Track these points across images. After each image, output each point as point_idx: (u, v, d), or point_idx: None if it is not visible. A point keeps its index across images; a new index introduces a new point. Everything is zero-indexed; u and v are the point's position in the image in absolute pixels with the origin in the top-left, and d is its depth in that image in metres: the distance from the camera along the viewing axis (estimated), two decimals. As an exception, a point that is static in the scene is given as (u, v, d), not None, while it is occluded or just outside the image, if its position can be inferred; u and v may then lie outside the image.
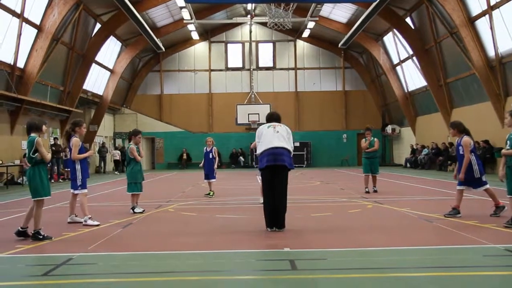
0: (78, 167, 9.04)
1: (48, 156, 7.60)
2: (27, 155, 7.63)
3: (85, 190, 9.10)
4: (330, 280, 5.01)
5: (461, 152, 9.05)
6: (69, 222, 9.05)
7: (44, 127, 7.79)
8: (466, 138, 9.02)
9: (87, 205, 9.09)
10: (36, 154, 7.45)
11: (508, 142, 7.96)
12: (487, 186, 8.98)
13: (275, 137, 7.98)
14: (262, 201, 11.81)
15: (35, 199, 7.49)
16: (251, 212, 10.34)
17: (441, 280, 4.97)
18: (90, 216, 8.88)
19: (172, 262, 5.98)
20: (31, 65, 21.92)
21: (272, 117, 8.60)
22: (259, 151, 8.05)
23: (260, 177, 8.43)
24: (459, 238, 7.07)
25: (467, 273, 5.26)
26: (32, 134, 7.57)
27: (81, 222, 8.90)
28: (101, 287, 4.96)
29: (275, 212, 7.82)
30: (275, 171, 7.83)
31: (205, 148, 14.36)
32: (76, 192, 9.05)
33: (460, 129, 9.17)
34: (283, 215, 7.90)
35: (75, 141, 9.03)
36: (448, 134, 27.02)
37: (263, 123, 8.49)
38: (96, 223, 8.76)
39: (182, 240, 7.47)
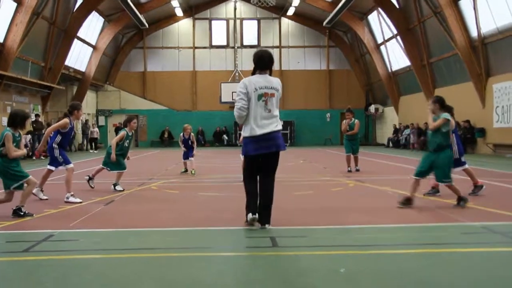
0: (55, 145, 9.03)
1: (14, 153, 7.28)
2: None
3: (71, 165, 9.10)
4: (311, 256, 5.07)
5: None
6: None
7: (26, 122, 7.64)
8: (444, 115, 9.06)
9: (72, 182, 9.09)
10: (2, 148, 7.26)
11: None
12: (466, 166, 9.11)
13: (266, 117, 6.24)
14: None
15: (8, 190, 7.37)
16: (233, 190, 10.37)
17: (421, 257, 5.06)
18: (72, 193, 8.85)
19: (154, 239, 5.99)
20: (11, 40, 21.55)
21: (263, 61, 6.36)
22: (244, 133, 6.33)
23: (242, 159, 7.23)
24: (438, 216, 7.18)
25: (446, 250, 5.35)
26: (9, 127, 7.39)
27: (41, 199, 8.96)
28: (83, 264, 4.96)
29: (260, 204, 6.41)
30: (265, 157, 6.36)
31: (182, 134, 14.36)
32: (60, 168, 9.11)
33: (442, 105, 9.10)
34: (270, 205, 6.49)
35: (64, 121, 9.05)
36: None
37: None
38: (78, 200, 8.73)
39: (164, 217, 7.48)
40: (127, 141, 10.66)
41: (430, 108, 8.19)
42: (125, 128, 10.75)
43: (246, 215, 6.41)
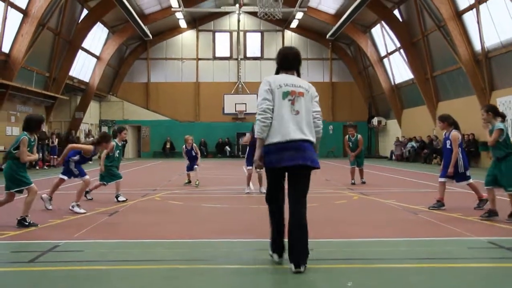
0: (71, 160, 9.11)
1: (27, 158, 7.34)
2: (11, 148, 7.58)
3: (87, 177, 9.18)
4: (316, 270, 5.04)
5: (448, 146, 9.11)
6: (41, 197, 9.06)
7: (42, 126, 7.70)
8: (454, 133, 9.06)
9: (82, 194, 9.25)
10: (16, 151, 7.33)
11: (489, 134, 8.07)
12: (470, 180, 9.08)
13: (294, 122, 4.91)
14: (247, 191, 11.88)
15: (8, 191, 7.43)
16: (237, 201, 10.36)
17: (427, 271, 5.03)
18: (78, 203, 8.85)
19: (159, 251, 5.98)
20: (17, 50, 21.63)
21: (287, 60, 5.19)
22: (266, 140, 4.94)
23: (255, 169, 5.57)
24: (443, 230, 7.15)
25: (452, 265, 5.32)
26: (25, 131, 7.46)
27: (46, 208, 8.98)
28: (88, 275, 4.94)
29: (295, 232, 4.90)
30: (292, 173, 4.99)
31: (184, 146, 14.38)
32: (76, 179, 9.27)
33: (450, 122, 9.21)
34: (305, 239, 4.88)
35: (88, 148, 9.12)
36: (434, 127, 27.29)
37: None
38: (82, 211, 8.72)
39: (168, 228, 7.47)
40: (117, 151, 10.63)
41: (484, 118, 7.99)
42: (115, 139, 10.75)
43: (271, 246, 5.26)
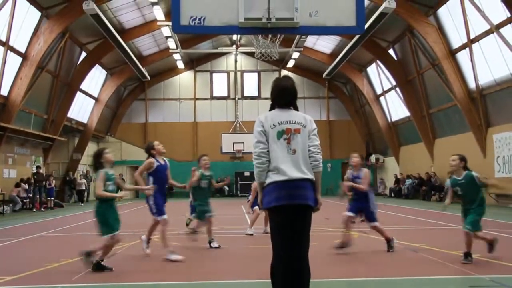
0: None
1: (101, 192, 7.09)
2: None
3: (164, 217, 8.34)
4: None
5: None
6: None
7: (107, 156, 7.37)
8: (366, 170, 9.43)
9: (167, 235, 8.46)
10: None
11: (458, 188, 8.26)
12: (376, 223, 9.19)
13: (290, 160, 4.50)
14: (250, 233, 11.66)
15: (102, 237, 7.26)
16: (238, 242, 10.27)
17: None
18: (172, 249, 8.21)
19: (158, 294, 5.90)
20: (15, 93, 21.78)
21: (283, 96, 4.88)
22: (267, 180, 4.51)
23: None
24: (445, 269, 7.08)
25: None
26: (99, 169, 7.30)
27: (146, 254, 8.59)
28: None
29: (293, 277, 4.32)
30: (292, 212, 4.42)
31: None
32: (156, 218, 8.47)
33: (362, 163, 9.60)
34: (307, 281, 4.40)
35: (147, 161, 8.60)
36: (431, 164, 27.37)
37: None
38: (180, 257, 8.05)
39: (170, 270, 7.38)
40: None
41: (455, 165, 8.49)
42: (200, 169, 10.24)
43: None
